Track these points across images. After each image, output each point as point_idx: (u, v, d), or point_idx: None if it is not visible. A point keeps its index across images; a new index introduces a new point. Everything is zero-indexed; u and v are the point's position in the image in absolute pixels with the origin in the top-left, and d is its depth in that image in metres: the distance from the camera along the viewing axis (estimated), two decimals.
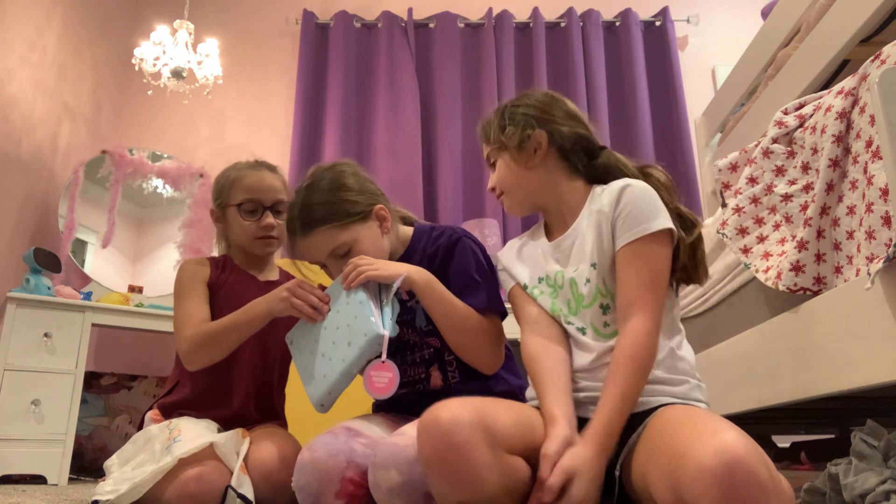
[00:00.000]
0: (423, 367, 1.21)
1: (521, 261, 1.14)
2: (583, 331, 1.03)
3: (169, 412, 1.35)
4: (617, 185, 1.04)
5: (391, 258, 1.22)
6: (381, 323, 1.07)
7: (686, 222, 1.04)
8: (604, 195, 1.05)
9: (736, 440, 0.69)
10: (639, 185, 1.03)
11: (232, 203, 1.43)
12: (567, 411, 0.92)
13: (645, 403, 0.94)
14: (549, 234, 1.13)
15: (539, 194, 1.12)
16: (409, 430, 0.98)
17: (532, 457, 0.87)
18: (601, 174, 1.11)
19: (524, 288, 1.11)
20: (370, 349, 1.06)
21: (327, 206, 1.16)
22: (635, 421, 0.92)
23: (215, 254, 1.56)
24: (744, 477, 0.66)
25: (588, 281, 1.02)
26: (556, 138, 1.10)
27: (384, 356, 1.05)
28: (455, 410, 0.81)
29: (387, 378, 1.06)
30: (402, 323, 1.20)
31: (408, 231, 1.28)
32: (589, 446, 0.86)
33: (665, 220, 0.99)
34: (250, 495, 1.16)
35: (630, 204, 1.01)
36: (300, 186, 1.22)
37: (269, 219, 1.43)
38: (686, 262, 1.03)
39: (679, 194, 1.08)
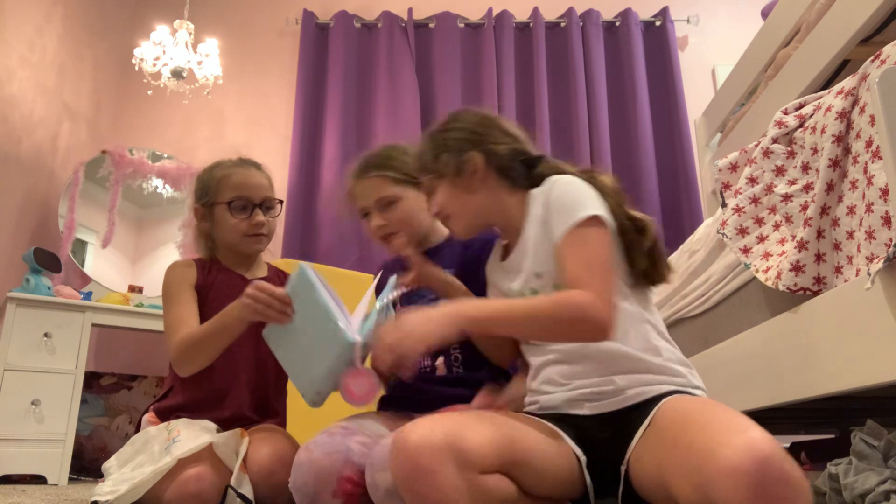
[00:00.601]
0: (430, 359, 1.23)
1: (491, 277, 1.16)
2: None
3: (165, 415, 1.35)
4: (545, 184, 1.04)
5: (430, 240, 1.30)
6: (352, 329, 1.02)
7: (637, 225, 1.02)
8: (537, 198, 1.05)
9: (764, 438, 0.69)
10: (564, 178, 1.02)
11: (220, 201, 1.42)
12: None
13: (643, 393, 0.93)
14: (506, 251, 1.12)
15: (485, 214, 1.10)
16: None
17: (515, 473, 0.85)
18: (541, 181, 1.08)
19: None
20: (344, 356, 1.01)
21: (392, 160, 1.26)
22: (636, 414, 0.91)
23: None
24: (776, 475, 0.66)
25: (534, 292, 1.02)
26: (492, 158, 1.08)
27: (358, 364, 1.01)
28: (424, 433, 0.78)
29: (365, 386, 1.01)
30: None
31: None
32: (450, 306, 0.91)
33: (594, 207, 0.97)
34: (250, 495, 1.16)
35: (557, 198, 1.00)
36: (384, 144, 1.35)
37: (259, 216, 1.42)
38: (645, 266, 1.01)
39: (627, 199, 1.05)
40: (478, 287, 1.16)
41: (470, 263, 1.22)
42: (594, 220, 0.96)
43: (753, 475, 0.66)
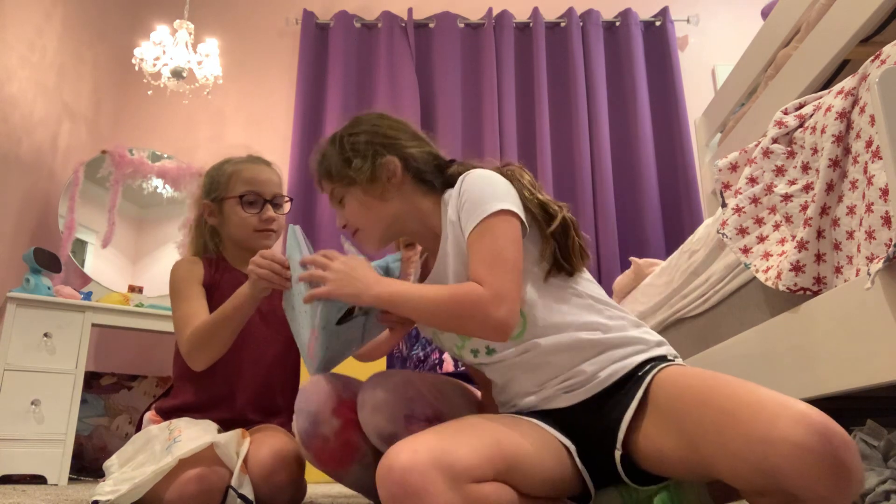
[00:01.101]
0: (438, 352, 1.26)
1: None
2: (490, 351, 1.00)
3: (167, 415, 1.35)
4: (458, 182, 1.01)
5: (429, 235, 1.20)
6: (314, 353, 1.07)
7: (549, 213, 0.99)
8: (451, 199, 1.01)
9: (810, 409, 0.69)
10: (474, 172, 0.99)
11: (231, 195, 1.42)
12: None
13: (616, 371, 0.92)
14: (427, 264, 1.10)
15: (399, 223, 1.06)
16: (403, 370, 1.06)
17: (510, 477, 0.83)
18: (455, 182, 1.04)
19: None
20: (321, 316, 1.04)
21: (342, 158, 1.11)
22: (618, 394, 0.91)
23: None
24: (839, 442, 0.66)
25: None
26: (409, 162, 1.04)
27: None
28: (408, 454, 0.76)
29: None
30: None
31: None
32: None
33: (503, 202, 0.94)
34: (251, 495, 1.16)
35: (465, 194, 0.97)
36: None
37: (270, 211, 1.42)
38: (559, 254, 0.99)
39: (541, 188, 1.03)
40: None
41: None
42: (503, 214, 0.93)
43: (823, 448, 0.66)
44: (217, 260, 1.46)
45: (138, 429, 1.37)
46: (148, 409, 1.41)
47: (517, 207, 0.95)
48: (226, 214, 1.44)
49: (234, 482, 1.15)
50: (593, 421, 0.92)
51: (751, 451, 0.70)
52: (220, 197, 1.43)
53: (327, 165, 1.07)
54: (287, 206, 1.48)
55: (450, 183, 1.05)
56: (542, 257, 0.98)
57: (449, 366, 1.26)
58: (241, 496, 1.14)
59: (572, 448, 0.92)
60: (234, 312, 1.23)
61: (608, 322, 0.98)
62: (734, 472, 0.73)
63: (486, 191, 0.95)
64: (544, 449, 0.89)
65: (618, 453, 0.88)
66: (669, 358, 0.96)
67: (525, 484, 0.85)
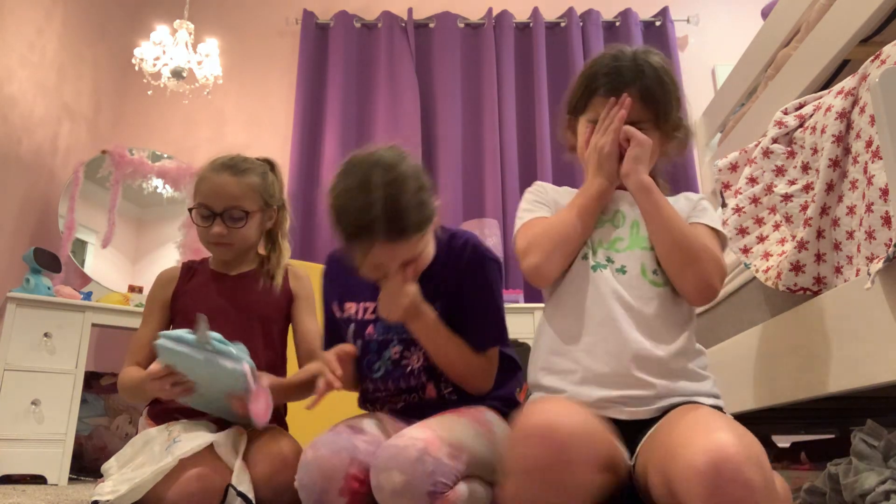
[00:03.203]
0: (423, 377, 1.19)
1: (567, 193, 1.16)
2: (623, 270, 1.00)
3: (161, 417, 1.36)
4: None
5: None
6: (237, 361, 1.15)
7: None
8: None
9: (727, 440, 0.69)
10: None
11: (191, 206, 1.42)
12: None
13: (673, 403, 0.91)
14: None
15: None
16: (410, 432, 0.98)
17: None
18: None
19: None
20: (240, 384, 1.16)
21: (421, 210, 1.04)
22: (648, 420, 0.90)
23: None
24: (730, 476, 0.66)
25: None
26: None
27: (252, 385, 1.15)
28: (568, 419, 0.76)
29: (263, 403, 1.17)
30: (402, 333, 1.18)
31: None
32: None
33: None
34: (250, 494, 1.16)
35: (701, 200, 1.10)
36: (374, 179, 1.01)
37: (217, 227, 1.38)
38: None
39: None
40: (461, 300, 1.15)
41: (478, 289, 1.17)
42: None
43: (708, 475, 0.67)
44: (200, 263, 1.49)
45: (137, 431, 1.38)
46: (144, 411, 1.42)
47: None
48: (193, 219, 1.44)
49: (234, 480, 1.15)
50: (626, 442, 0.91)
51: (662, 463, 0.76)
52: (190, 205, 1.44)
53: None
54: (244, 221, 1.39)
55: None
56: None
57: (432, 392, 1.21)
58: (241, 494, 1.14)
59: (630, 463, 0.90)
60: (142, 392, 1.28)
61: (694, 353, 0.99)
62: (652, 484, 0.77)
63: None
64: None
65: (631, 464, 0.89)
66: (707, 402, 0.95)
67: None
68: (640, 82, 1.04)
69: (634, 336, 0.94)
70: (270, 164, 1.51)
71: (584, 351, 0.96)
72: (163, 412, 1.36)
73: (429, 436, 0.96)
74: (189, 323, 1.19)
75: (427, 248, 1.11)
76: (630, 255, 1.01)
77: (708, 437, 0.70)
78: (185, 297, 1.41)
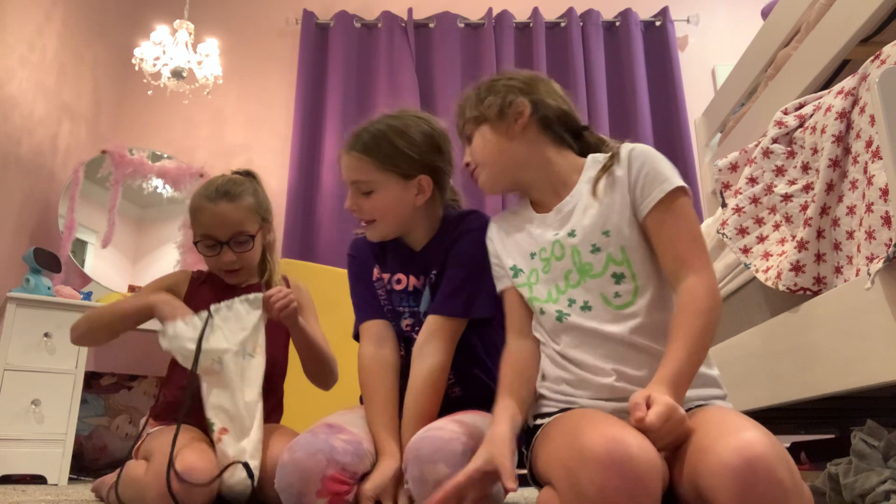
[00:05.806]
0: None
1: (510, 239, 1.09)
2: (587, 307, 0.97)
3: (162, 416, 1.36)
4: (621, 150, 1.01)
5: (423, 235, 1.24)
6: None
7: None
8: (597, 162, 1.03)
9: (757, 438, 0.69)
10: (641, 146, 1.01)
11: (194, 238, 1.42)
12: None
13: (692, 405, 0.91)
14: (539, 209, 1.08)
15: (520, 167, 1.06)
16: (449, 425, 1.00)
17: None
18: (592, 149, 1.08)
19: (514, 275, 1.06)
20: None
21: (382, 142, 1.16)
22: None
23: None
24: (763, 475, 0.66)
25: (597, 249, 0.98)
26: (539, 108, 1.06)
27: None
28: (639, 444, 0.73)
29: None
30: (412, 314, 1.22)
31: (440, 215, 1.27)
32: (663, 387, 0.81)
33: (680, 178, 0.98)
34: (256, 472, 1.19)
35: (646, 164, 0.98)
36: (389, 113, 1.22)
37: (227, 255, 1.39)
38: None
39: None
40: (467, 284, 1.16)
41: (457, 260, 1.18)
42: (684, 191, 0.97)
43: (741, 472, 0.67)
44: (209, 274, 1.48)
45: (140, 430, 1.38)
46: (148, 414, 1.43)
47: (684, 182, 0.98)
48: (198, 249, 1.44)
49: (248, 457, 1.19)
50: None
51: (689, 461, 0.75)
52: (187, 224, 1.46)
53: (462, 105, 1.13)
54: (251, 243, 1.41)
55: (587, 147, 1.09)
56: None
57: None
58: (245, 464, 1.17)
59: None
60: (130, 313, 1.36)
61: (712, 360, 1.00)
62: (677, 482, 0.76)
63: (663, 163, 0.99)
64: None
65: None
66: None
67: None
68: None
69: (632, 373, 0.93)
70: (253, 177, 1.49)
71: (586, 391, 0.96)
72: (163, 411, 1.36)
73: (466, 431, 0.99)
74: None
75: (387, 194, 1.17)
76: (584, 288, 0.98)
77: (738, 436, 0.70)
78: (194, 302, 1.39)
